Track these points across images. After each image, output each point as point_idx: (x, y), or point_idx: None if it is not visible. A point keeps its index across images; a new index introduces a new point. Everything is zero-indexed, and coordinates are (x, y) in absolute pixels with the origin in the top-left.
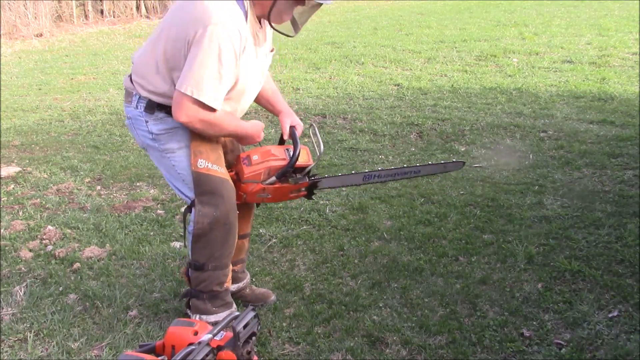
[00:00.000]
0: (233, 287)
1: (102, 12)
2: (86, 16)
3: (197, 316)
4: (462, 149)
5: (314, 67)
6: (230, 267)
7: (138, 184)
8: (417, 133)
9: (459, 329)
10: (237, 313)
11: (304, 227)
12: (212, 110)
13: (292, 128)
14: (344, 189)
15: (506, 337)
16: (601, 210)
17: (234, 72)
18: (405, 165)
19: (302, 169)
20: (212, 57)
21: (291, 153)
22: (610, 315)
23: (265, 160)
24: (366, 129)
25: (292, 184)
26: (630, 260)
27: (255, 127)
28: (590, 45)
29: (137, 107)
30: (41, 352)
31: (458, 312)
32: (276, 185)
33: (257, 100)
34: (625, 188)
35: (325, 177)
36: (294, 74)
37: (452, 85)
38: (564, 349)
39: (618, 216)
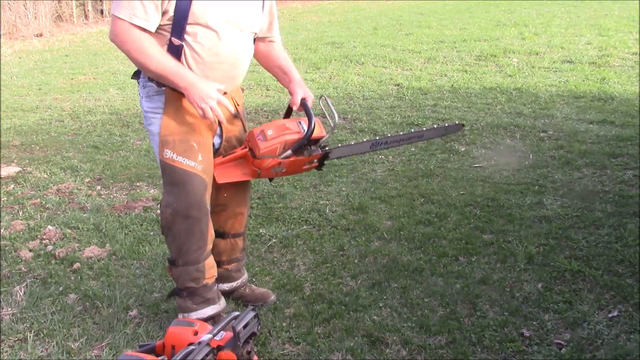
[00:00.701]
0: (225, 286)
1: (102, 12)
2: (86, 16)
3: (181, 315)
4: (462, 149)
5: (314, 67)
6: (207, 263)
7: (138, 184)
8: None
9: (459, 329)
10: (237, 313)
11: (304, 227)
12: (134, 26)
13: (303, 100)
14: (343, 188)
15: (506, 337)
16: (601, 210)
17: None
18: (411, 131)
19: (316, 140)
20: None
21: (304, 126)
22: (610, 315)
23: (280, 134)
24: (366, 129)
25: (306, 157)
26: (630, 260)
27: (207, 85)
28: (590, 45)
29: (139, 81)
30: (41, 352)
31: (458, 312)
32: (291, 159)
33: (269, 68)
34: (625, 188)
35: (337, 147)
36: None
37: (452, 85)
38: (564, 349)
39: (618, 216)
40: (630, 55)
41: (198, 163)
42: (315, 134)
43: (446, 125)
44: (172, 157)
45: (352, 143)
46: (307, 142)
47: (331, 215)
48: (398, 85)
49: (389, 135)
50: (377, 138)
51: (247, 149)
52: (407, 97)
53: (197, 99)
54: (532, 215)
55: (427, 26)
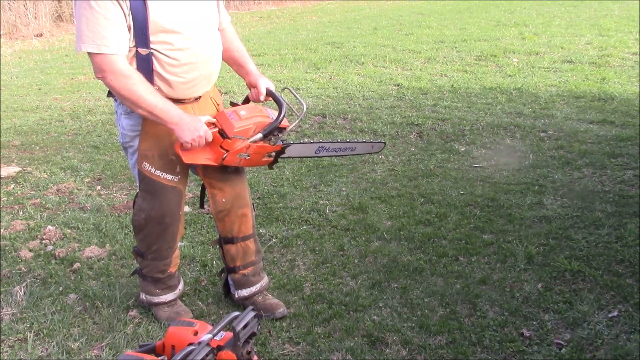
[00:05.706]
0: (244, 292)
1: None
2: None
3: (144, 295)
4: (462, 149)
5: (314, 67)
6: (174, 255)
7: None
8: (417, 133)
9: (459, 329)
10: (237, 313)
11: (304, 227)
12: (112, 56)
13: (268, 89)
14: (343, 188)
15: (506, 337)
16: (601, 210)
17: (116, 5)
18: (347, 140)
19: (282, 129)
20: (83, 7)
21: (271, 113)
22: (610, 315)
23: (253, 115)
24: (366, 129)
25: (271, 145)
26: (630, 260)
27: (193, 121)
28: (590, 45)
29: (115, 98)
30: (41, 352)
31: (458, 312)
32: (259, 144)
33: (224, 58)
34: (625, 188)
35: (292, 142)
36: (294, 74)
37: (452, 85)
38: (564, 349)
39: (618, 216)
40: (630, 55)
41: (175, 175)
42: (282, 123)
43: (372, 143)
44: (151, 170)
45: (303, 142)
46: (276, 128)
47: (331, 215)
48: (398, 85)
49: (331, 141)
50: (322, 142)
51: (217, 130)
52: (407, 97)
53: (185, 135)
54: (532, 215)
55: (427, 26)
